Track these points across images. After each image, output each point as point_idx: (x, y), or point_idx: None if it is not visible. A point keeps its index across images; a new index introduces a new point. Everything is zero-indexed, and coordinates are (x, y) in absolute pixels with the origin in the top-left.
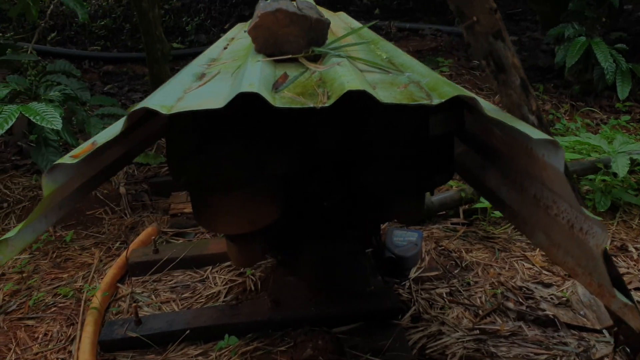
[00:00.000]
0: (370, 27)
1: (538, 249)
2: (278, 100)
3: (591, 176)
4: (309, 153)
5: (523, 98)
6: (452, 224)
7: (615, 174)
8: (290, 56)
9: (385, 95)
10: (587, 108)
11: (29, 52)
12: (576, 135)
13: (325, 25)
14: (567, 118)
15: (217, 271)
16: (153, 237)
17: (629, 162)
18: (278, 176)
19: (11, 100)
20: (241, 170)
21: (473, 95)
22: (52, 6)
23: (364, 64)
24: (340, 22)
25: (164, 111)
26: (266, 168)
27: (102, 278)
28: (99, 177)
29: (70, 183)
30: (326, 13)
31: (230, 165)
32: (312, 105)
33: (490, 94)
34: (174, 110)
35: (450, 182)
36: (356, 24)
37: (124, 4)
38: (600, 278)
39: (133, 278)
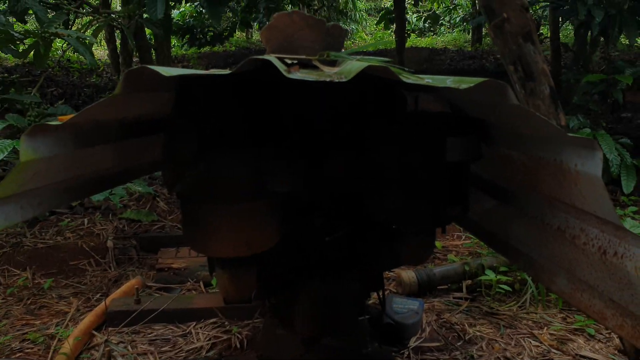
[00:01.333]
0: None
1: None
2: (292, 75)
3: None
4: (315, 175)
5: (552, 110)
6: (454, 297)
7: None
8: (304, 57)
9: (408, 79)
10: None
11: (32, 94)
12: None
13: (342, 31)
14: None
15: (201, 327)
16: (136, 287)
17: None
18: (280, 195)
19: (9, 137)
20: (241, 183)
21: (503, 82)
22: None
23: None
24: None
25: (164, 73)
26: (268, 183)
27: (77, 326)
28: (87, 183)
29: (53, 163)
30: None
31: (231, 175)
32: (330, 79)
33: None
34: (175, 73)
35: (453, 257)
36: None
37: None
38: (637, 309)
39: (110, 328)
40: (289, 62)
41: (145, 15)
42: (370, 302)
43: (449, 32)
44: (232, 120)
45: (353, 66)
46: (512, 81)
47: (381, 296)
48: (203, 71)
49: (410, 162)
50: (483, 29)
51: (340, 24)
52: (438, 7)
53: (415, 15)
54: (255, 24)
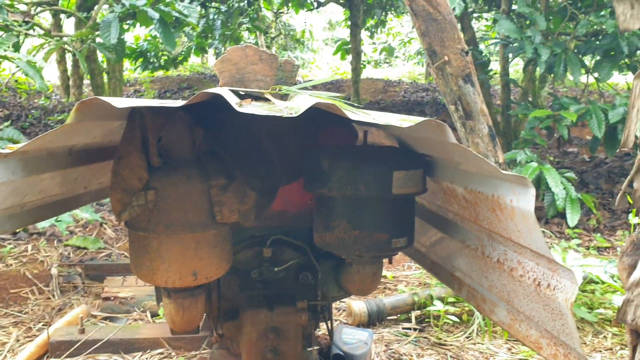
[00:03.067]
0: None
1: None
2: (243, 108)
3: None
4: (265, 205)
5: (490, 148)
6: (403, 328)
7: None
8: (256, 90)
9: (355, 116)
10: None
11: None
12: None
13: (294, 66)
14: None
15: (147, 358)
16: (81, 316)
17: (582, 278)
18: (230, 226)
19: None
20: (190, 213)
21: (442, 122)
22: (11, 77)
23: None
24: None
25: (116, 104)
26: (218, 214)
27: (16, 357)
28: (34, 210)
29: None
30: None
31: (179, 205)
32: (280, 114)
33: None
34: (125, 105)
35: (403, 288)
36: None
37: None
38: (568, 339)
39: (53, 359)
40: (242, 93)
41: (98, 40)
42: (320, 332)
43: (403, 64)
44: (182, 150)
45: (303, 102)
46: (454, 119)
47: (330, 327)
48: (154, 101)
49: (358, 195)
50: None
51: (297, 52)
52: (393, 40)
53: (371, 46)
54: (212, 48)
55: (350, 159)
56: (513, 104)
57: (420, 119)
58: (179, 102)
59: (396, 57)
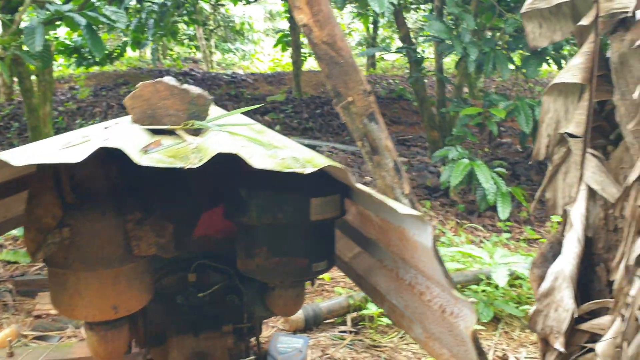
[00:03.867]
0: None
1: (424, 359)
2: (145, 159)
3: (474, 287)
4: (186, 234)
5: (396, 180)
6: (340, 331)
7: (496, 285)
8: (168, 127)
9: (261, 161)
10: (471, 225)
11: None
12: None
13: (207, 100)
14: (452, 233)
15: None
16: (9, 339)
17: (509, 273)
18: (148, 258)
19: None
20: (107, 249)
21: (344, 167)
22: None
23: (246, 140)
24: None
25: (14, 163)
26: (135, 248)
27: None
28: None
29: None
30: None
31: (96, 242)
32: (180, 166)
33: None
34: (23, 162)
35: (340, 290)
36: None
37: (14, 103)
38: None
39: None
40: (156, 128)
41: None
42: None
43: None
44: (96, 186)
45: (207, 151)
46: (362, 154)
47: (258, 348)
48: (54, 154)
49: (277, 223)
50: (376, 55)
51: (238, 44)
52: None
53: None
54: (149, 42)
55: (267, 188)
56: (447, 101)
57: (323, 164)
58: (81, 155)
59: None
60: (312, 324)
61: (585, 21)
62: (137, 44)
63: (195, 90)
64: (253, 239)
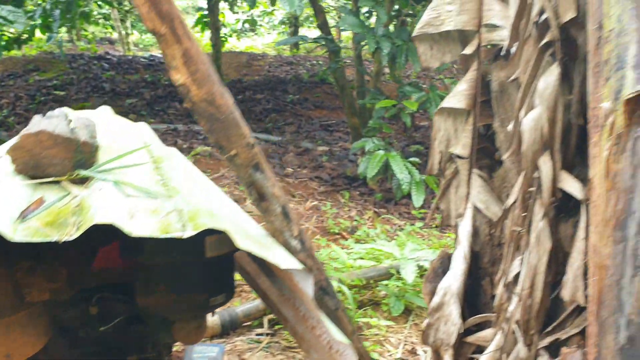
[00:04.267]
0: (188, 131)
1: None
2: (20, 233)
3: (386, 282)
4: (83, 274)
5: (285, 224)
6: (256, 334)
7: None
8: (52, 179)
9: (140, 225)
10: (387, 215)
11: None
12: (374, 242)
13: (93, 147)
14: (370, 224)
15: None
16: None
17: (417, 268)
18: (43, 303)
19: None
20: None
21: (226, 228)
22: None
23: (132, 189)
24: (131, 137)
25: None
26: (27, 296)
27: None
28: None
29: None
30: (121, 124)
31: None
32: (55, 239)
33: (302, 200)
34: None
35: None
36: (151, 137)
37: None
38: None
39: None
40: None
41: None
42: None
43: (268, 33)
44: None
45: (86, 214)
46: (250, 200)
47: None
48: None
49: (173, 262)
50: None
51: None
52: (256, 9)
53: (235, 15)
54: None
55: None
56: (366, 91)
57: (208, 224)
58: None
59: (260, 26)
60: (229, 329)
61: (468, 50)
62: (47, 28)
63: (81, 136)
64: (150, 277)
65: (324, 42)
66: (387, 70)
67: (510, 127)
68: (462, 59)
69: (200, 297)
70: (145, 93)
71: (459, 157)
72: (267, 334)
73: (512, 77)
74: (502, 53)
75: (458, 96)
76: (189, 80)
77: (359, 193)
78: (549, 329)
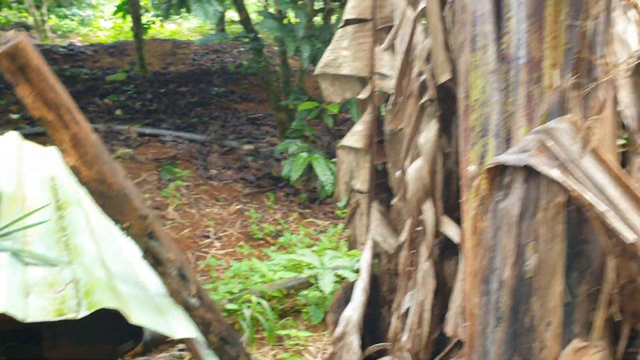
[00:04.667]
0: (109, 132)
1: None
2: None
3: (306, 291)
4: None
5: (182, 285)
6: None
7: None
8: None
9: (34, 307)
10: (311, 219)
11: None
12: (296, 251)
13: None
14: (294, 227)
15: None
16: None
17: (335, 277)
18: None
19: None
20: None
21: (119, 306)
22: None
23: (32, 258)
24: (39, 176)
25: None
26: None
27: None
28: None
29: None
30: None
31: None
32: None
33: (226, 204)
34: None
35: None
36: (60, 170)
37: None
38: None
39: None
40: None
41: None
42: None
43: (194, 17)
44: None
45: None
46: (147, 264)
47: None
48: None
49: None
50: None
51: (75, 9)
52: None
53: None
54: None
55: None
56: (290, 91)
57: (100, 303)
58: None
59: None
60: (151, 346)
61: (363, 95)
62: None
63: None
64: (55, 331)
65: (246, 40)
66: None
67: (398, 173)
68: (359, 102)
69: (107, 347)
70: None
71: (359, 192)
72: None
73: (398, 128)
74: (389, 106)
75: (356, 136)
76: (79, 162)
77: (285, 194)
78: (437, 359)
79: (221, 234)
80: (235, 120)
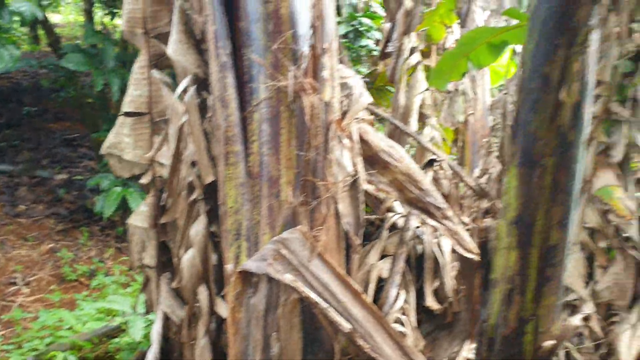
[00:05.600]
0: None
1: None
2: None
3: (116, 340)
4: None
5: None
6: None
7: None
8: None
9: None
10: (128, 255)
11: None
12: (109, 296)
13: None
14: (110, 264)
15: None
16: None
17: (146, 323)
18: None
19: None
20: None
21: None
22: None
23: None
24: None
25: None
26: None
27: None
28: None
29: None
30: None
31: None
32: None
33: (37, 243)
34: None
35: None
36: None
37: None
38: None
39: None
40: None
41: None
42: None
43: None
44: None
45: None
46: None
47: None
48: None
49: None
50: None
51: None
52: None
53: None
54: None
55: None
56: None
57: None
58: None
59: None
60: None
61: (144, 180)
62: None
63: None
64: None
65: (52, 67)
66: None
67: (175, 260)
68: (142, 185)
69: None
70: None
71: (148, 266)
72: None
73: (171, 221)
74: (163, 201)
75: (141, 216)
76: None
77: (100, 228)
78: None
79: (30, 279)
80: (50, 142)
